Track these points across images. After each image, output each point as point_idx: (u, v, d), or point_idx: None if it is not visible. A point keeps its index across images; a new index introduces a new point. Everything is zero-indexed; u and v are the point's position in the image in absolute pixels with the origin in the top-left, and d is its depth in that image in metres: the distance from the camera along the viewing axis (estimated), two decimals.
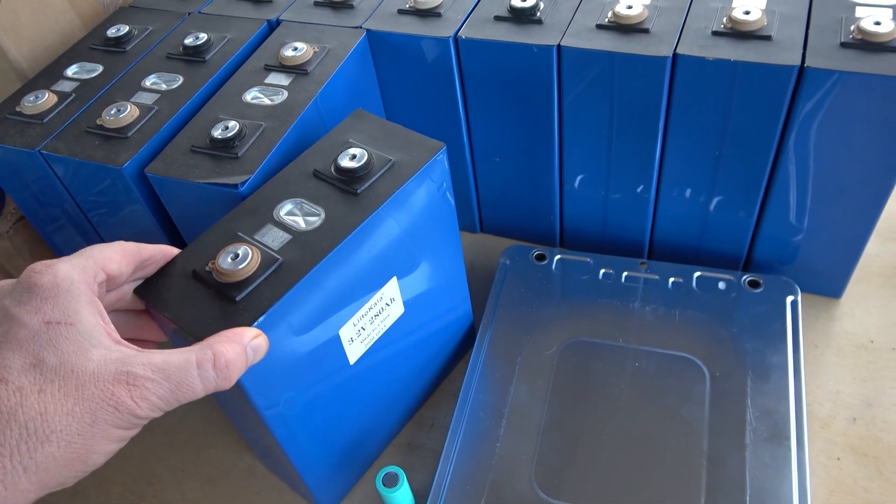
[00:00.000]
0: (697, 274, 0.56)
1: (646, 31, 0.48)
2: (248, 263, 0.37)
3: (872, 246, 0.60)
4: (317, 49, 0.52)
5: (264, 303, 0.36)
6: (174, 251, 0.39)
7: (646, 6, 0.50)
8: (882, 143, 0.46)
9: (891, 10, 0.47)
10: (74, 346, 0.29)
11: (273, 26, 0.57)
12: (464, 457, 0.48)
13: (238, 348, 0.33)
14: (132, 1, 0.64)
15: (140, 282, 0.38)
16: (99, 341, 0.30)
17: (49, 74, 0.55)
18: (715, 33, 0.47)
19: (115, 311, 0.39)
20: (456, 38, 0.52)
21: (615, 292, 0.56)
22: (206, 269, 0.37)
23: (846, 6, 0.48)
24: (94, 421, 0.29)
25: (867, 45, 0.44)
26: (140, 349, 0.31)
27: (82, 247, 0.60)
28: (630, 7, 0.49)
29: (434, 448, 0.52)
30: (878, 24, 0.45)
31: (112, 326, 0.32)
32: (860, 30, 0.45)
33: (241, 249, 0.37)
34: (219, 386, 0.32)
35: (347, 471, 0.50)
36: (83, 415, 0.28)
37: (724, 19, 0.48)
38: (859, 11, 0.47)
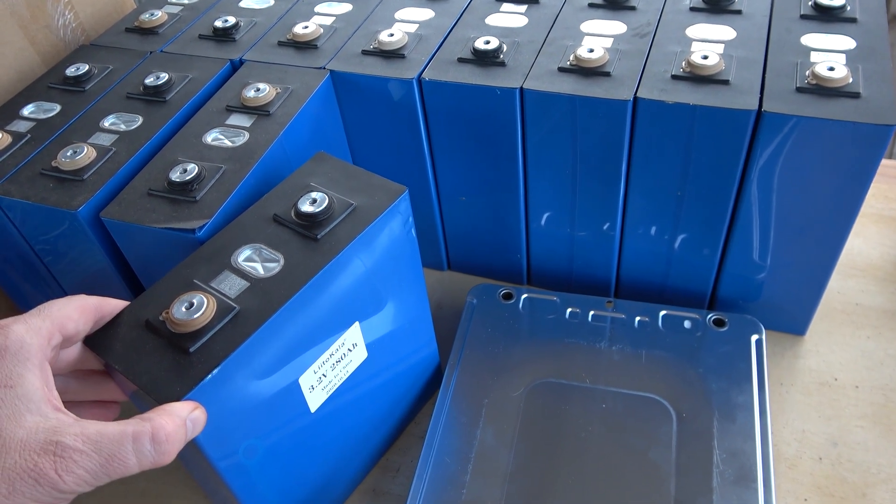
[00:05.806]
0: (663, 313, 0.56)
1: (607, 74, 0.49)
2: (202, 313, 0.36)
3: (834, 283, 0.61)
4: (279, 90, 0.52)
5: (219, 354, 0.35)
6: None
7: (607, 49, 0.51)
8: (839, 184, 0.46)
9: (843, 56, 0.48)
10: (9, 410, 0.28)
11: (236, 66, 0.57)
12: None
13: (178, 421, 0.32)
14: (93, 39, 0.63)
15: None
16: (37, 407, 0.29)
17: (4, 114, 0.54)
18: (674, 77, 0.48)
19: (75, 373, 0.38)
20: (419, 80, 0.52)
21: (582, 332, 0.56)
22: (160, 318, 0.36)
23: (801, 51, 0.49)
24: (11, 492, 0.27)
25: (822, 89, 0.45)
26: (78, 419, 0.30)
27: (35, 292, 0.58)
28: (591, 51, 0.50)
29: (400, 494, 0.51)
30: (831, 69, 0.46)
31: (55, 394, 0.31)
32: (815, 75, 0.46)
33: (196, 298, 0.36)
34: (156, 462, 0.31)
35: None
36: (0, 484, 0.27)
37: (683, 63, 0.48)
38: (814, 56, 0.48)
